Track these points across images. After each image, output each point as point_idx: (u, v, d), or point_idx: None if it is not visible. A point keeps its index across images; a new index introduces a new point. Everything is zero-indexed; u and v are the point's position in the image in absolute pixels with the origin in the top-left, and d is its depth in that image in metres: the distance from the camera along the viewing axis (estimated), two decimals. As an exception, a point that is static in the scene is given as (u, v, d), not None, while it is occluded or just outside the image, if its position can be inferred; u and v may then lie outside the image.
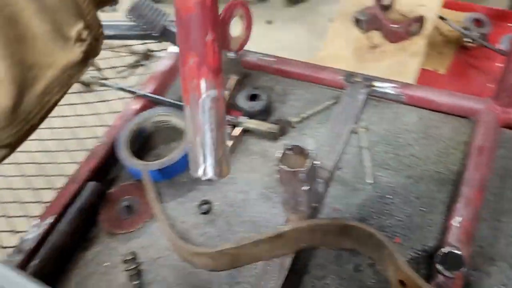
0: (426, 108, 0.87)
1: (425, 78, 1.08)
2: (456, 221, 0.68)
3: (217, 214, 0.79)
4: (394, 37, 1.02)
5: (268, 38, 1.99)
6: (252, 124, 0.85)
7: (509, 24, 1.20)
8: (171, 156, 0.82)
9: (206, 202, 0.79)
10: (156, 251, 0.75)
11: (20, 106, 0.26)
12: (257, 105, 0.89)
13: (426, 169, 0.79)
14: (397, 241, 0.71)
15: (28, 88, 0.26)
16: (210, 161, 0.46)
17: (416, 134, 0.84)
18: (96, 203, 0.81)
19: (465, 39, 1.13)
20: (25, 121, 0.28)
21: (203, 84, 0.41)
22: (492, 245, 0.69)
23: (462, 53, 1.14)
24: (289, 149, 0.61)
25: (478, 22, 1.19)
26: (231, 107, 0.92)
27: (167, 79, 1.01)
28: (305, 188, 0.62)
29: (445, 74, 1.11)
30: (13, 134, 0.28)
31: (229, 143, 0.86)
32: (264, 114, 0.89)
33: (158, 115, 0.91)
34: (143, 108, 0.94)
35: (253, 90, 0.91)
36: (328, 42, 1.08)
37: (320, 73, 0.93)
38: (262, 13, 2.49)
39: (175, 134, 0.91)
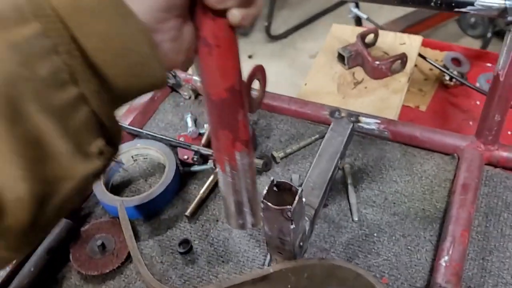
0: (409, 145, 0.87)
1: (406, 114, 1.09)
2: (444, 260, 0.67)
3: (198, 254, 0.75)
4: (377, 73, 1.02)
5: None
6: (235, 159, 0.83)
7: (486, 64, 1.23)
8: (150, 192, 0.79)
9: (186, 241, 0.76)
10: (132, 293, 0.71)
11: (39, 219, 0.26)
12: (240, 140, 0.87)
13: (412, 206, 0.78)
14: (384, 281, 0.69)
15: (48, 201, 0.26)
16: (248, 216, 0.52)
17: (400, 170, 0.84)
18: (67, 242, 0.76)
19: (444, 78, 1.15)
20: (41, 231, 0.28)
21: (237, 156, 0.44)
22: (480, 285, 0.67)
23: (442, 91, 1.16)
24: (276, 185, 0.59)
25: (456, 61, 1.22)
26: (213, 141, 0.91)
27: (146, 111, 0.98)
28: (292, 226, 0.59)
29: (425, 111, 1.12)
30: (27, 242, 0.28)
31: (210, 178, 0.83)
32: (247, 148, 0.87)
33: (136, 148, 0.88)
34: (122, 141, 0.91)
35: (236, 124, 0.89)
36: (311, 77, 1.08)
37: (305, 108, 0.93)
38: (244, 48, 2.51)
39: (154, 168, 0.88)
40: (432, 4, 0.72)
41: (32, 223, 0.26)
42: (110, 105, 0.29)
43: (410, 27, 2.04)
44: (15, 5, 0.25)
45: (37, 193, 0.25)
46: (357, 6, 1.45)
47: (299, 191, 0.59)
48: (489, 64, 1.22)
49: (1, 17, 0.25)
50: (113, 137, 0.30)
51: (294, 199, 0.60)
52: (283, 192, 0.59)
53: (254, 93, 0.46)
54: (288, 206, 0.57)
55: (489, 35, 2.38)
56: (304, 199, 0.62)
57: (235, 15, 0.33)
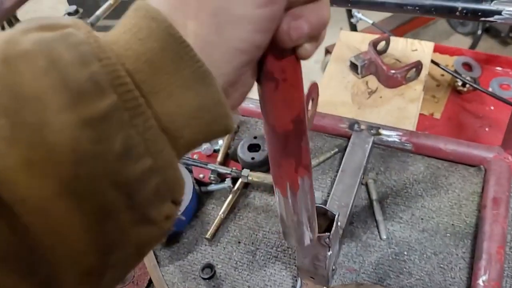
0: (433, 157, 0.84)
1: (421, 122, 1.07)
2: (482, 280, 0.64)
3: (222, 278, 0.72)
4: (391, 82, 1.00)
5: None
6: (254, 176, 0.80)
7: (497, 68, 1.21)
8: (169, 214, 0.76)
9: (208, 266, 0.72)
10: (156, 324, 0.68)
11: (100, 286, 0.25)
12: (258, 156, 0.84)
13: (440, 222, 0.76)
14: (419, 303, 0.67)
15: (107, 272, 0.25)
16: (306, 233, 0.51)
17: (425, 184, 0.81)
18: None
19: (457, 83, 1.13)
20: None
21: (299, 180, 0.44)
22: (519, 305, 0.65)
23: (454, 97, 1.14)
24: (311, 211, 0.56)
25: (467, 66, 1.20)
26: (229, 158, 0.87)
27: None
28: (329, 253, 0.56)
29: (440, 119, 1.10)
30: None
31: (229, 198, 0.80)
32: (265, 165, 0.84)
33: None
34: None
35: (253, 140, 0.86)
36: (324, 86, 1.05)
37: (321, 121, 0.90)
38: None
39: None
40: (457, 13, 0.70)
41: None
42: (176, 165, 0.27)
43: (402, 25, 2.01)
44: (91, 75, 0.22)
45: (99, 264, 0.24)
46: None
47: (336, 216, 0.57)
48: (499, 68, 1.20)
49: (78, 91, 0.22)
50: (178, 195, 0.27)
51: (330, 224, 0.57)
52: (319, 217, 0.56)
53: (308, 110, 0.44)
54: (327, 233, 0.54)
55: (479, 32, 2.38)
56: (339, 223, 0.59)
57: (307, 50, 0.32)
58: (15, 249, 0.21)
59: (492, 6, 0.68)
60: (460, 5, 0.70)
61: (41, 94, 0.21)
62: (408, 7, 0.74)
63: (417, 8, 0.74)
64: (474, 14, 0.69)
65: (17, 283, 0.21)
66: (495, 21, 0.70)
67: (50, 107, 0.21)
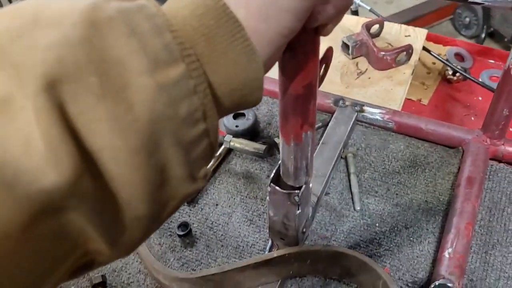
0: (414, 137, 0.86)
1: (408, 107, 1.08)
2: (448, 252, 0.66)
3: (197, 237, 0.74)
4: (381, 64, 1.01)
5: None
6: (238, 143, 0.82)
7: (489, 61, 1.22)
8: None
9: (185, 224, 0.74)
10: (129, 275, 0.69)
11: (147, 235, 0.28)
12: (242, 124, 0.85)
13: (414, 198, 0.77)
14: (386, 271, 0.68)
15: (157, 219, 0.28)
16: (302, 176, 0.55)
17: (403, 161, 0.83)
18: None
19: (448, 72, 1.14)
20: (142, 242, 0.30)
21: (303, 135, 0.49)
22: (482, 279, 0.67)
23: (444, 85, 1.15)
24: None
25: (459, 57, 1.21)
26: (214, 124, 0.89)
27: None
28: (298, 211, 0.58)
29: (427, 105, 1.11)
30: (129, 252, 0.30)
31: (211, 163, 0.82)
32: (249, 134, 0.86)
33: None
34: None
35: (239, 109, 0.87)
36: (314, 65, 1.06)
37: (308, 95, 0.91)
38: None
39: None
40: (446, -8, 0.71)
41: (141, 239, 0.28)
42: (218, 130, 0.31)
43: (405, 23, 2.02)
44: (166, 45, 0.25)
45: (151, 213, 0.26)
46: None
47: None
48: (491, 61, 1.21)
49: (155, 58, 0.25)
50: (212, 158, 0.31)
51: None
52: (290, 176, 0.58)
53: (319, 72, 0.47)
54: (296, 191, 0.56)
55: (483, 35, 2.38)
56: (310, 185, 0.61)
57: (328, 29, 0.36)
58: (92, 191, 0.24)
59: (480, -12, 0.69)
60: (449, -14, 0.71)
61: (124, 58, 0.24)
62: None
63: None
64: (462, -5, 0.70)
65: (84, 223, 0.24)
66: (482, 3, 0.72)
67: (131, 70, 0.24)
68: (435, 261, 0.68)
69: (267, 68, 0.32)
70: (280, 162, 0.56)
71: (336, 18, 0.35)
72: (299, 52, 0.39)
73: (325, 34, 0.37)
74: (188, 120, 0.26)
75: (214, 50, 0.27)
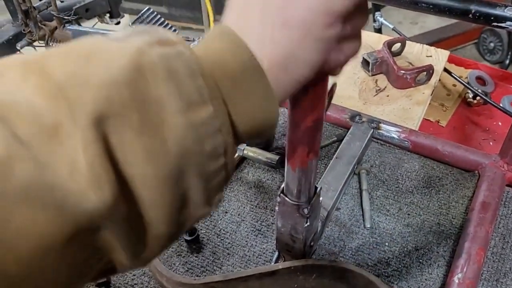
0: (429, 157, 0.85)
1: (426, 127, 1.07)
2: (457, 277, 0.65)
3: (204, 243, 0.73)
4: (401, 83, 1.00)
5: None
6: (251, 152, 0.81)
7: (511, 86, 1.20)
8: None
9: (192, 229, 0.74)
10: (133, 276, 0.69)
11: (163, 250, 0.32)
12: (257, 134, 0.85)
13: (426, 220, 0.76)
14: (393, 292, 0.67)
15: (173, 239, 0.31)
16: (303, 196, 0.56)
17: (417, 182, 0.82)
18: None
19: (468, 95, 1.13)
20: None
21: (308, 162, 0.52)
22: (492, 308, 0.65)
23: (464, 108, 1.14)
24: (294, 181, 0.57)
25: (480, 80, 1.19)
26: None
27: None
28: (307, 224, 0.57)
29: (445, 127, 1.09)
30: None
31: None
32: (263, 143, 0.85)
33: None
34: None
35: (254, 118, 0.87)
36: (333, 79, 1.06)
37: (325, 109, 0.91)
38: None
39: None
40: (470, 16, 0.70)
41: (158, 254, 0.31)
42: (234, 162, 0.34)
43: (430, 44, 2.02)
44: (198, 88, 0.28)
45: (170, 232, 0.29)
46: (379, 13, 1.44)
47: (318, 189, 0.58)
48: (513, 87, 1.20)
49: (188, 100, 0.28)
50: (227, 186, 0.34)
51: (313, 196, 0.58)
52: (301, 188, 0.58)
53: None
54: (305, 203, 0.56)
55: (507, 61, 2.35)
56: (321, 198, 0.60)
57: (339, 71, 0.38)
58: (124, 213, 0.26)
59: (505, 12, 0.68)
60: (474, 7, 0.70)
61: (162, 99, 0.27)
62: (423, 5, 0.74)
63: (431, 6, 0.74)
64: (487, 18, 0.70)
65: (114, 239, 0.27)
66: (507, 28, 0.71)
67: (168, 110, 0.27)
68: (444, 285, 0.66)
69: (280, 105, 0.35)
70: (284, 183, 0.57)
71: (346, 62, 0.38)
72: (310, 91, 0.42)
73: (334, 75, 0.40)
74: (211, 155, 0.29)
75: (238, 94, 0.31)
